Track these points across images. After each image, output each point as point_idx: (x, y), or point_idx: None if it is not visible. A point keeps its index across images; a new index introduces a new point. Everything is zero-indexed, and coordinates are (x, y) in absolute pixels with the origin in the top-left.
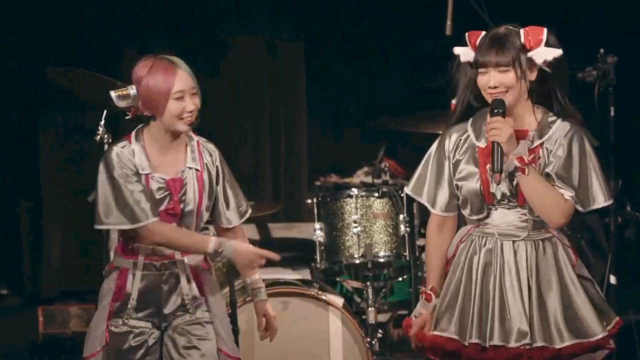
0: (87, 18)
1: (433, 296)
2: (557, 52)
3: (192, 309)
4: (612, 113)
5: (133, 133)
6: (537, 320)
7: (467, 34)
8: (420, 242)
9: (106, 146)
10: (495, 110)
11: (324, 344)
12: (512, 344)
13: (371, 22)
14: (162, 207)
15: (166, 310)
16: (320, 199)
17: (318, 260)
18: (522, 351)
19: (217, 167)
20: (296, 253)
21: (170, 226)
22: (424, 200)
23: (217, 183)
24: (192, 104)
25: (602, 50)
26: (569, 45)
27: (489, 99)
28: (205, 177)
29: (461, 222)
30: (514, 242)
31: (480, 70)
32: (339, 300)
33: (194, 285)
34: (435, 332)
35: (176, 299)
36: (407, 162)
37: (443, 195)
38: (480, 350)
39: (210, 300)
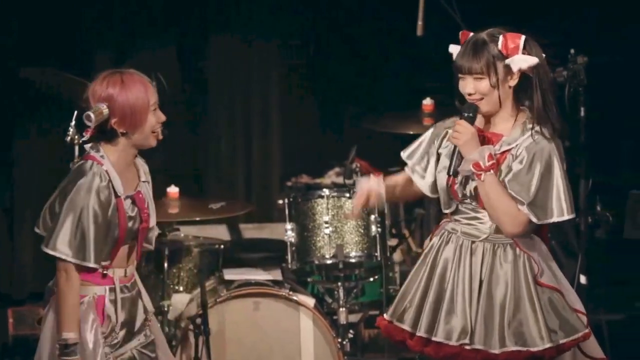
0: (87, 18)
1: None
2: (533, 61)
3: (148, 325)
4: (582, 113)
5: (94, 153)
6: (480, 323)
7: (461, 33)
8: (391, 242)
9: (77, 147)
10: (464, 114)
11: (295, 345)
12: (453, 342)
13: (371, 22)
14: (137, 225)
15: (136, 329)
16: (291, 199)
17: (289, 260)
18: (458, 350)
19: (149, 178)
20: (267, 253)
21: (77, 288)
22: (408, 169)
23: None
24: (162, 114)
25: (572, 51)
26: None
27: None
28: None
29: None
30: (472, 242)
31: (459, 74)
32: (310, 301)
33: (147, 298)
34: (393, 321)
35: (140, 316)
36: (380, 162)
37: (420, 168)
38: (423, 344)
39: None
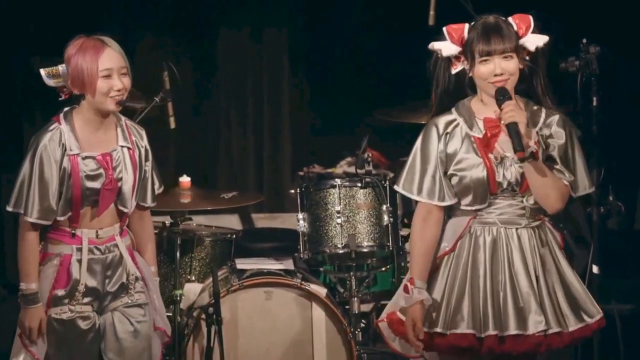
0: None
1: (410, 287)
2: (546, 38)
3: (132, 290)
4: (594, 103)
5: (61, 114)
6: (548, 306)
7: (445, 28)
8: (403, 232)
9: None
10: (502, 97)
11: (307, 334)
12: (530, 330)
13: (383, 11)
14: (99, 185)
15: (108, 291)
16: (303, 189)
17: (301, 250)
18: (540, 339)
19: (145, 145)
20: (279, 243)
21: (34, 240)
22: (414, 194)
23: (147, 160)
24: (120, 82)
25: (584, 40)
26: (551, 35)
27: (488, 89)
28: (136, 155)
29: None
30: (517, 229)
31: (483, 58)
32: (322, 290)
33: (133, 264)
34: (452, 332)
35: (118, 279)
36: (391, 153)
37: (429, 183)
38: (498, 342)
39: (146, 278)
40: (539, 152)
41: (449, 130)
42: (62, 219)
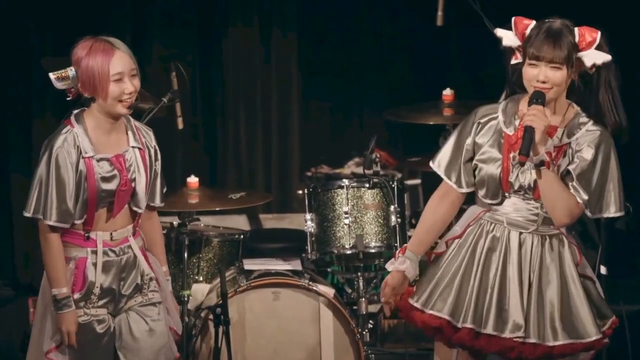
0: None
1: (398, 254)
2: (607, 57)
3: (147, 289)
4: None
5: (72, 117)
6: (533, 316)
7: (514, 18)
8: (410, 232)
9: None
10: (534, 100)
11: (314, 335)
12: (506, 334)
13: (367, 12)
14: (114, 186)
15: (123, 294)
16: (311, 189)
17: (309, 250)
18: (514, 344)
19: (154, 146)
20: (287, 244)
21: (58, 244)
22: (441, 172)
23: (157, 160)
24: (131, 85)
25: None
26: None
27: (531, 91)
28: (147, 155)
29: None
30: (521, 233)
31: (531, 62)
32: (329, 291)
33: (147, 264)
34: (429, 312)
35: (132, 281)
36: (399, 152)
37: (455, 166)
38: (473, 336)
39: (159, 278)
40: (551, 164)
41: (483, 120)
42: (79, 222)
